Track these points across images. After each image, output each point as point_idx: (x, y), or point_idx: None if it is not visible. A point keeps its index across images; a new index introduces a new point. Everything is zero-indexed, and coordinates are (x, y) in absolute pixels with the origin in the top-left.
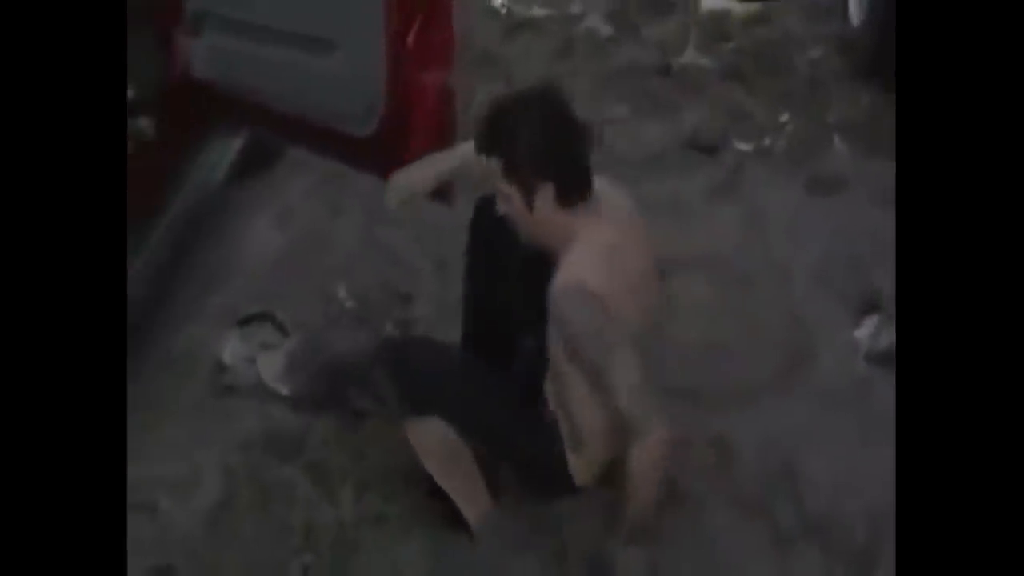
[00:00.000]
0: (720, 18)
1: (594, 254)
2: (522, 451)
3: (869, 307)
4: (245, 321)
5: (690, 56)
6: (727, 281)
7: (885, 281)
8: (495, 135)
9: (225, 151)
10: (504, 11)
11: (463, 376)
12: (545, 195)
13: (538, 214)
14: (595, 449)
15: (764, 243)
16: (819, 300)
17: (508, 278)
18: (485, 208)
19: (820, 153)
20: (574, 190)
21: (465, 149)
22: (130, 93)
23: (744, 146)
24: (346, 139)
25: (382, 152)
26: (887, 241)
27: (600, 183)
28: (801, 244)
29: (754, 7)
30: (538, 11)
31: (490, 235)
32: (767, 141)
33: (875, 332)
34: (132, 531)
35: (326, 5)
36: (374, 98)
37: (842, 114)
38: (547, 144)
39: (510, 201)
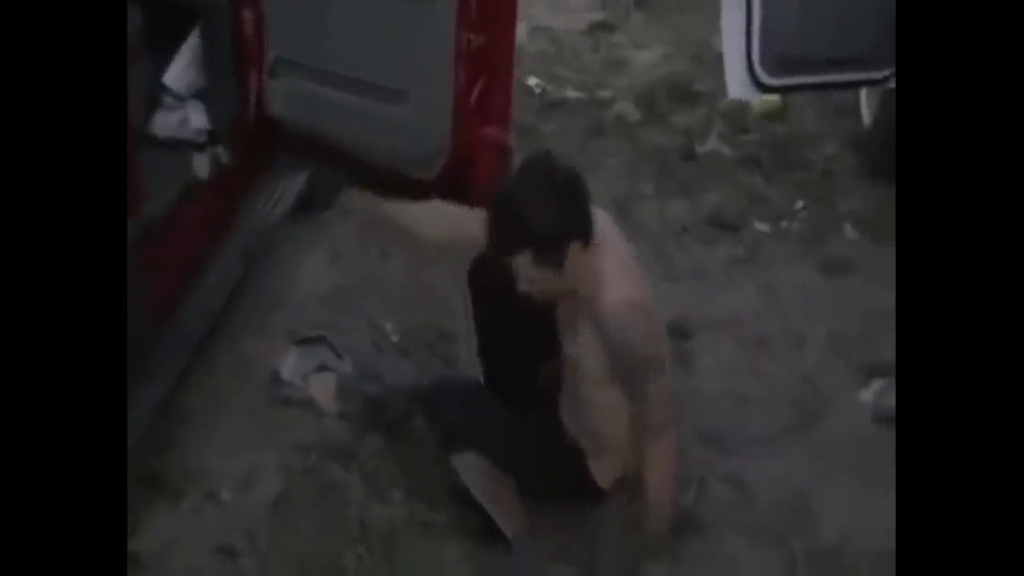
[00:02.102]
0: (741, 111)
1: (624, 271)
2: (547, 474)
3: (875, 372)
4: (302, 342)
5: (713, 144)
6: (746, 342)
7: (890, 352)
8: (521, 230)
9: (288, 187)
10: (539, 91)
11: (488, 416)
12: (574, 252)
13: (568, 272)
14: (618, 452)
15: (780, 312)
16: (829, 365)
17: (512, 323)
18: (478, 268)
19: (832, 238)
20: (590, 232)
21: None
22: (209, 122)
23: (762, 226)
24: (408, 183)
25: (440, 196)
26: (891, 318)
27: None
28: (813, 317)
29: (773, 101)
30: (571, 93)
31: (487, 292)
32: (783, 224)
33: (880, 395)
34: (197, 516)
35: (399, 59)
36: (439, 146)
37: (853, 204)
38: (563, 212)
39: (536, 281)
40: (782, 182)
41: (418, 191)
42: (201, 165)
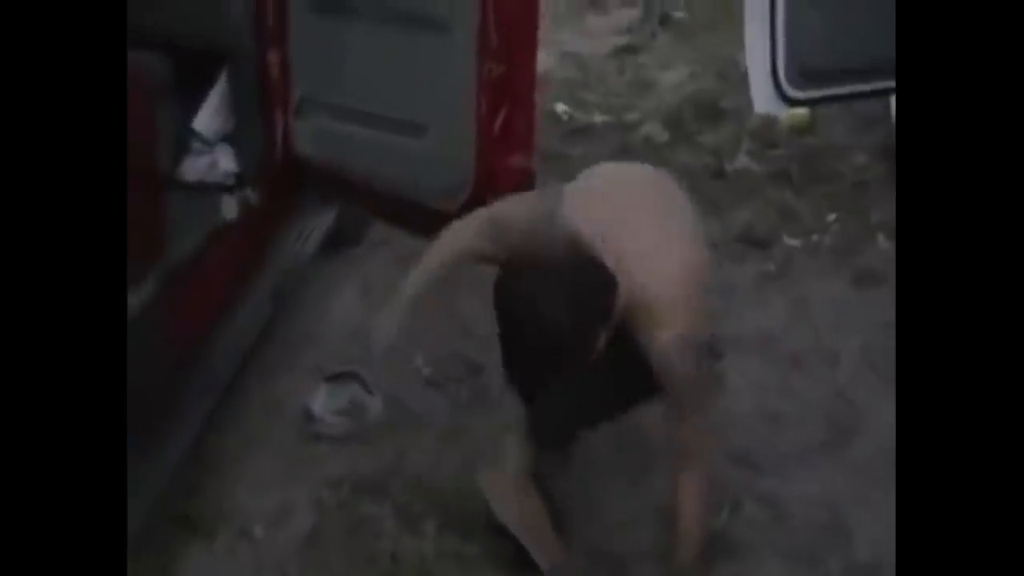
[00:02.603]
0: (769, 126)
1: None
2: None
3: None
4: (332, 378)
5: (742, 161)
6: (778, 359)
7: None
8: (555, 363)
9: (317, 225)
10: (566, 117)
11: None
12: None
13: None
14: None
15: (812, 327)
16: (863, 379)
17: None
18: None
19: (864, 249)
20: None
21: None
22: (237, 165)
23: (793, 242)
24: (434, 215)
25: None
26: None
27: None
28: (846, 330)
29: (801, 115)
30: (599, 118)
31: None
32: (815, 238)
33: None
34: (230, 555)
35: (421, 93)
36: (463, 177)
37: (885, 214)
38: (592, 323)
39: None
40: (812, 195)
41: (444, 223)
42: (229, 207)
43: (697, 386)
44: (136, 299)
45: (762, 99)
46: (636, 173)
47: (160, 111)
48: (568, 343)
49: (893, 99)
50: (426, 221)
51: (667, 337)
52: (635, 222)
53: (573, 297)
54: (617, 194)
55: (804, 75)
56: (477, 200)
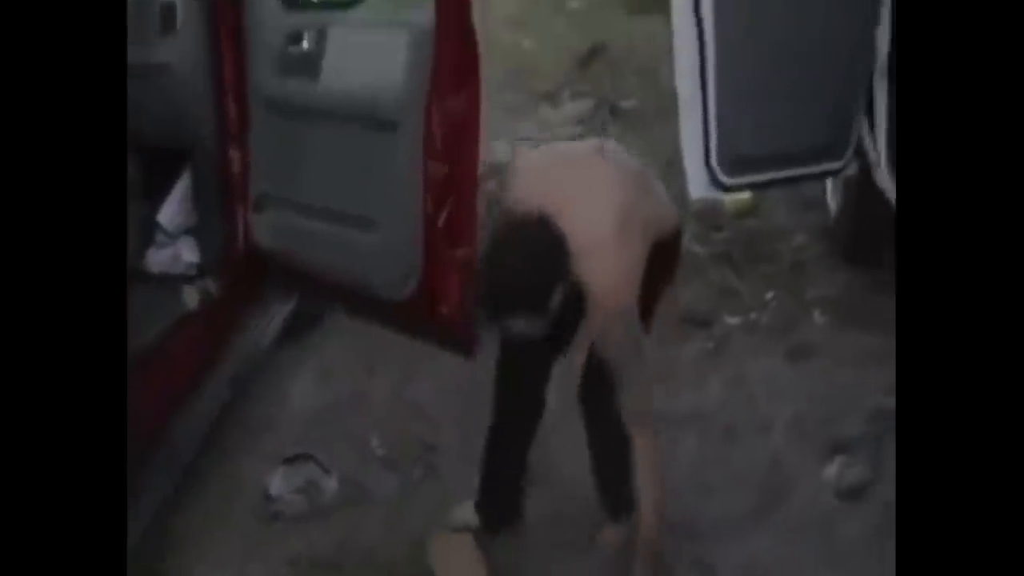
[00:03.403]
0: (713, 210)
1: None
2: None
3: (838, 449)
4: (290, 460)
5: (685, 244)
6: (714, 433)
7: (853, 429)
8: (516, 298)
9: (277, 314)
10: None
11: None
12: (558, 294)
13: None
14: None
15: (748, 400)
16: (794, 447)
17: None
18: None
19: (800, 326)
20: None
21: None
22: (199, 257)
23: (733, 320)
24: (383, 304)
25: (415, 316)
26: (854, 397)
27: None
28: (779, 402)
29: (744, 199)
30: None
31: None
32: (753, 315)
33: (842, 470)
34: None
35: (370, 189)
36: (410, 269)
37: (820, 291)
38: (552, 272)
39: (531, 331)
40: (753, 275)
41: (392, 313)
42: (191, 297)
43: (634, 354)
44: None
45: (697, 185)
46: (579, 146)
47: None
48: (525, 283)
49: (829, 182)
50: (377, 310)
51: (604, 311)
52: (572, 188)
53: (527, 250)
54: (559, 165)
55: (736, 162)
56: (424, 291)
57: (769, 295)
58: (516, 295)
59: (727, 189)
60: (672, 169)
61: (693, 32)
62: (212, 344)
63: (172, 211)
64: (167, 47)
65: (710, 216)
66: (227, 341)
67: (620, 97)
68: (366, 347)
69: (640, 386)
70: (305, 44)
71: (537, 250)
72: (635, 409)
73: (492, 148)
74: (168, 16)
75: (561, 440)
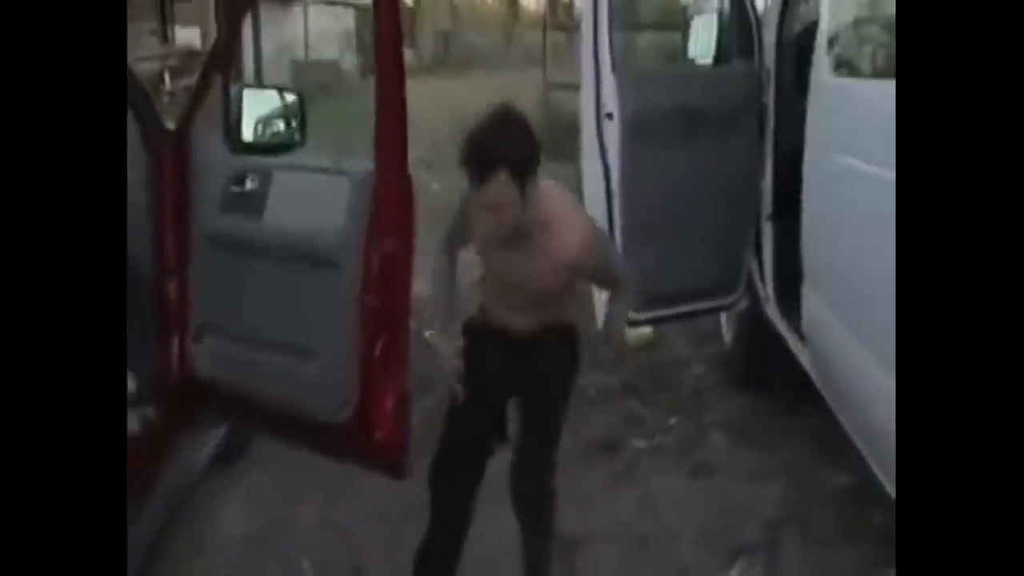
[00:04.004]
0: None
1: (576, 206)
2: None
3: (739, 553)
4: None
5: (594, 377)
6: (627, 545)
7: (751, 536)
8: (501, 152)
9: (209, 439)
10: None
11: None
12: (532, 182)
13: (528, 201)
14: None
15: (656, 516)
16: (700, 554)
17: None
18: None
19: (700, 446)
20: (537, 170)
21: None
22: (136, 384)
23: (640, 443)
24: (319, 429)
25: (350, 440)
26: (750, 509)
27: None
28: (685, 514)
29: (646, 334)
30: None
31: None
32: (658, 438)
33: (744, 571)
34: None
35: (310, 321)
36: (346, 397)
37: (718, 415)
38: (533, 144)
39: (506, 208)
40: (657, 403)
41: (327, 438)
42: (132, 423)
43: (616, 265)
44: None
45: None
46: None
47: None
48: (505, 141)
49: (724, 315)
50: (311, 436)
51: (580, 238)
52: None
53: (509, 120)
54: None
55: (642, 299)
56: (359, 417)
57: (672, 420)
58: (498, 149)
59: (634, 323)
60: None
61: (601, 178)
62: (149, 469)
63: None
64: None
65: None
66: (162, 466)
67: None
68: (293, 475)
69: (620, 280)
70: (249, 184)
71: (518, 120)
72: (623, 287)
73: None
74: None
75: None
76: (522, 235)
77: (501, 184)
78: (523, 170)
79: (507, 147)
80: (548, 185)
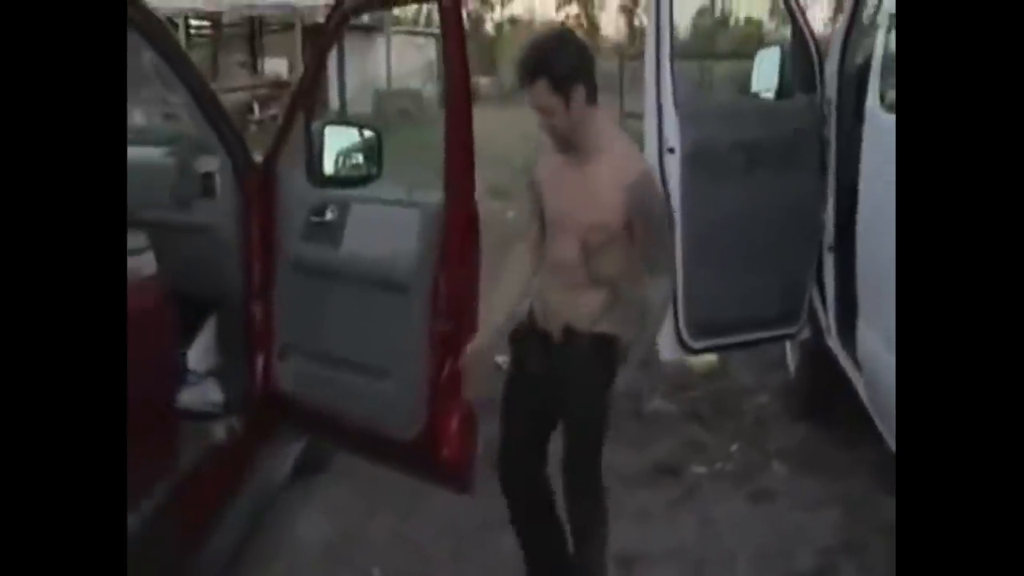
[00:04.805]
0: (683, 372)
1: (636, 150)
2: None
3: None
4: None
5: (657, 403)
6: (687, 568)
7: (806, 562)
8: (541, 62)
9: (290, 452)
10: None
11: None
12: (578, 95)
13: (574, 112)
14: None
15: (715, 539)
16: None
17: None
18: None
19: (761, 473)
20: (593, 91)
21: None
22: (224, 398)
23: (700, 469)
24: (390, 446)
25: (419, 457)
26: (807, 536)
27: None
28: (743, 539)
29: (711, 361)
30: None
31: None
32: (719, 465)
33: None
34: None
35: (382, 343)
36: (417, 415)
37: (779, 444)
38: (574, 59)
39: (552, 112)
40: (719, 430)
41: (397, 455)
42: (219, 432)
43: (660, 212)
44: (148, 508)
45: (666, 348)
46: None
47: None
48: (553, 52)
49: (789, 345)
50: (384, 451)
51: (635, 169)
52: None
53: (559, 35)
54: None
55: (701, 327)
56: (428, 434)
57: (734, 447)
58: (538, 61)
59: (694, 352)
60: None
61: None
62: (234, 477)
63: (199, 354)
64: (207, 209)
65: (679, 376)
66: (246, 475)
67: None
68: (369, 486)
69: (669, 243)
70: (329, 215)
71: (561, 38)
72: (664, 262)
73: None
74: (208, 183)
75: None
76: (579, 152)
77: (541, 91)
78: (562, 82)
79: (547, 60)
80: (614, 128)
